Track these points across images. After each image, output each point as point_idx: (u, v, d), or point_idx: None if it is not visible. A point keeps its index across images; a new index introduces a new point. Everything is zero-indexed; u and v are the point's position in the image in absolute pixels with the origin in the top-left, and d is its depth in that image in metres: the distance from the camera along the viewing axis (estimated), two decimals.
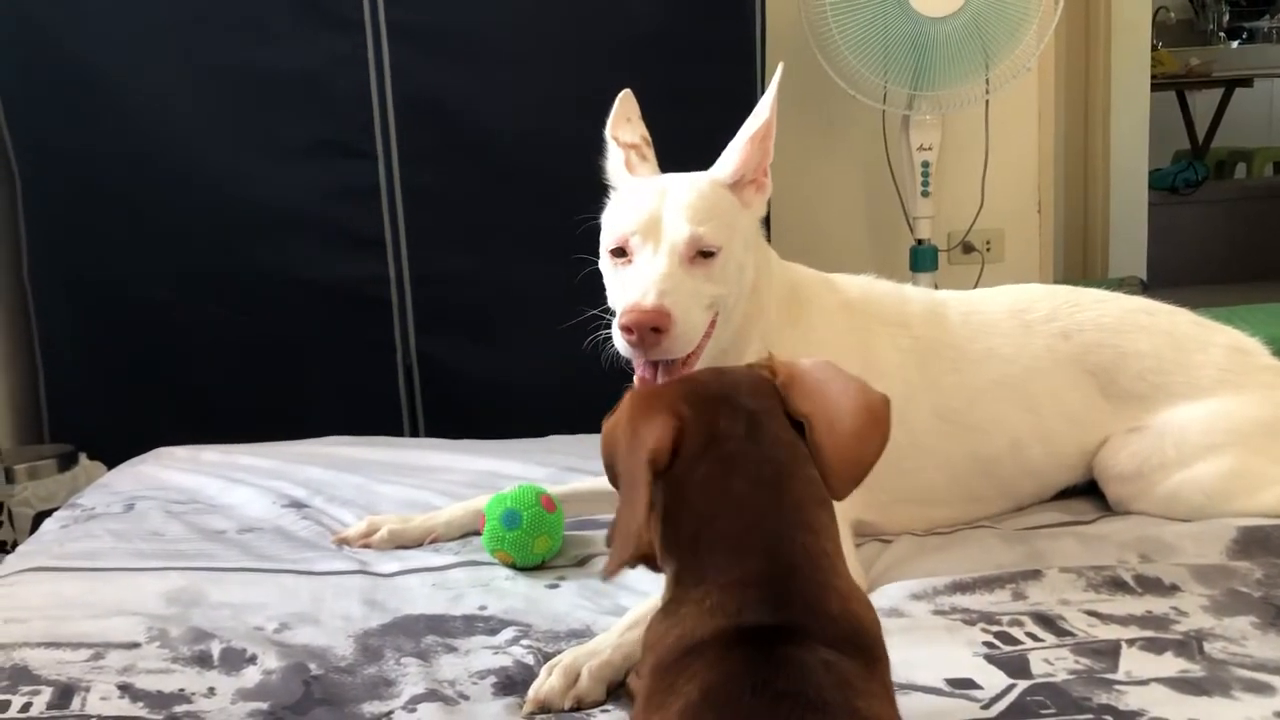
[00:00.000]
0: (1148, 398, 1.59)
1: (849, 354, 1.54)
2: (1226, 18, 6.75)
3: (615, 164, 1.59)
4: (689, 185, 1.49)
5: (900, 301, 1.64)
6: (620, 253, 1.46)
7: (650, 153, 1.60)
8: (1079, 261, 4.71)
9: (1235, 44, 6.71)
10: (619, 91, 2.90)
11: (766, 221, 2.88)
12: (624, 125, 1.61)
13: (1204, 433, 1.55)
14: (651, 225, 1.44)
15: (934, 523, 1.58)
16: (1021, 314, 1.63)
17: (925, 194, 3.16)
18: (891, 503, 1.55)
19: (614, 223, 1.49)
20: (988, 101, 3.17)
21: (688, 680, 0.85)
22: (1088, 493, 1.65)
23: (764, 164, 1.53)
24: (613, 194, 1.57)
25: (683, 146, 2.76)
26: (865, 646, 0.89)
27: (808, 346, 1.52)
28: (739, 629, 0.86)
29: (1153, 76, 4.86)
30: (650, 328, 1.35)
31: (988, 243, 3.47)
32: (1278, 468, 1.53)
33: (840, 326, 1.57)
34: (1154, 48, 5.25)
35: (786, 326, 1.54)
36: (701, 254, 1.42)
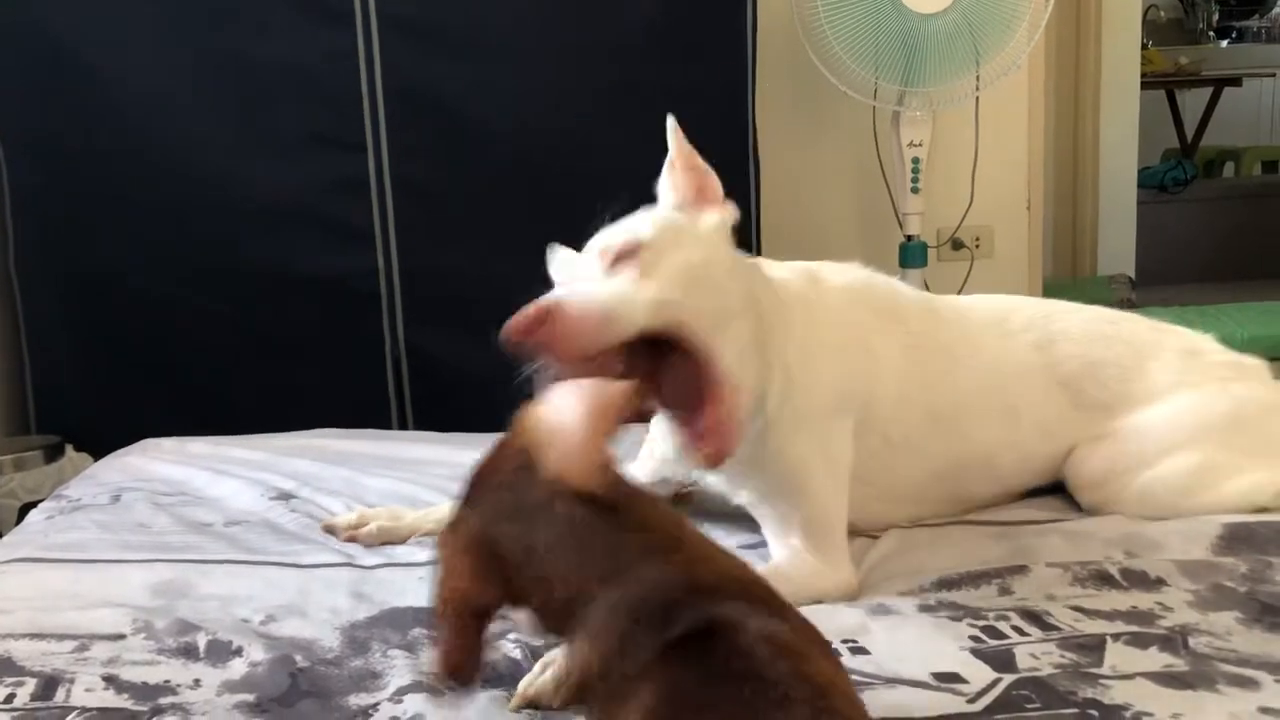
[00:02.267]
0: (1111, 405, 1.60)
1: (851, 349, 1.51)
2: (1216, 17, 6.79)
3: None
4: (650, 215, 1.41)
5: (895, 295, 1.63)
6: None
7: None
8: (1068, 259, 4.73)
9: (1225, 43, 6.75)
10: (610, 86, 2.92)
11: (757, 216, 2.91)
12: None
13: (1167, 433, 1.56)
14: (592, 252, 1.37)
15: (899, 520, 1.58)
16: (1001, 324, 1.64)
17: (915, 190, 3.16)
18: (871, 499, 1.54)
19: None
20: (978, 99, 3.18)
21: (636, 705, 0.84)
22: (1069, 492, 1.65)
23: (703, 185, 1.44)
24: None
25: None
26: (766, 599, 0.90)
27: (811, 353, 1.46)
28: (662, 646, 0.85)
29: (1142, 75, 4.88)
30: (527, 326, 1.15)
31: (977, 239, 3.48)
32: (1241, 458, 1.55)
33: (840, 323, 1.52)
34: (1144, 46, 5.28)
35: (790, 337, 1.45)
36: (622, 255, 1.29)
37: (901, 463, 1.54)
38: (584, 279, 1.30)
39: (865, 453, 1.50)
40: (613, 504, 0.94)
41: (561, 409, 0.96)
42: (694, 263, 1.31)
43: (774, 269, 1.55)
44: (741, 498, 1.49)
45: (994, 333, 1.62)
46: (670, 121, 1.47)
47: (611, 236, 1.34)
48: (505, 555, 0.94)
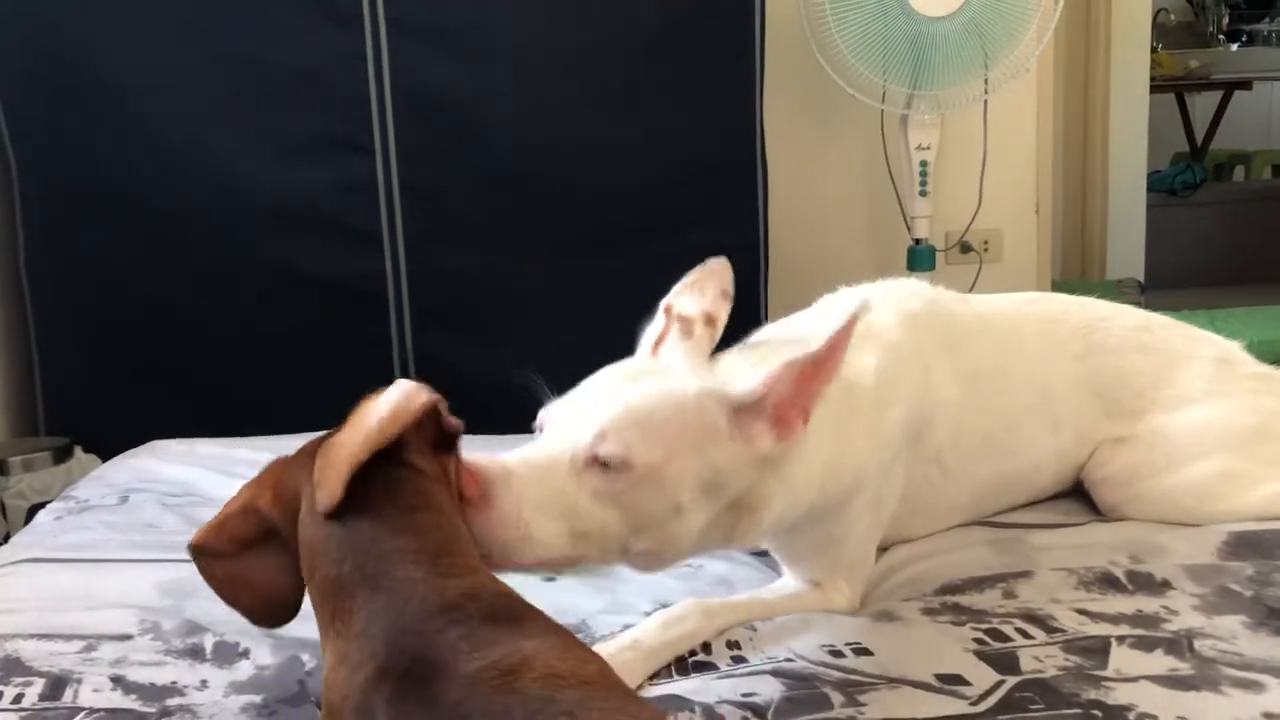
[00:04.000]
0: (1139, 411, 1.60)
1: (912, 388, 1.44)
2: (1226, 20, 6.76)
3: (647, 336, 1.31)
4: (652, 383, 1.17)
5: (951, 318, 1.56)
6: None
7: (705, 332, 1.29)
8: (1077, 262, 4.72)
9: (1235, 47, 6.72)
10: (618, 89, 2.90)
11: (765, 220, 2.92)
12: (689, 295, 1.31)
13: (1193, 441, 1.56)
14: (570, 411, 1.16)
15: (929, 532, 1.57)
16: (1048, 335, 1.62)
17: (923, 193, 3.16)
18: (910, 519, 1.51)
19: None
20: (986, 101, 3.17)
21: None
22: (1075, 494, 1.65)
23: (802, 403, 1.16)
24: None
25: (680, 145, 2.78)
26: (502, 616, 0.89)
27: (870, 422, 1.37)
28: (389, 679, 0.85)
29: (1152, 78, 4.86)
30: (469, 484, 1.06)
31: (985, 243, 3.47)
32: (1265, 468, 1.55)
33: (900, 366, 1.42)
34: (1153, 50, 5.26)
35: (841, 428, 1.31)
36: (600, 462, 1.11)
37: (950, 487, 1.52)
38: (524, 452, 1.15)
39: (917, 479, 1.48)
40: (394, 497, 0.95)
41: (362, 417, 0.97)
42: (678, 505, 1.14)
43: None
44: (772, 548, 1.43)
45: (1042, 345, 1.60)
46: (858, 306, 1.14)
47: (595, 433, 1.12)
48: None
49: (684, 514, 1.14)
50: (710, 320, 1.30)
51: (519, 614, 0.90)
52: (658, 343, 1.29)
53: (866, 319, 1.41)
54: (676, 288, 1.32)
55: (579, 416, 1.15)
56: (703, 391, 1.16)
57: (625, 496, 1.11)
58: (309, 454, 1.00)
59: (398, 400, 0.98)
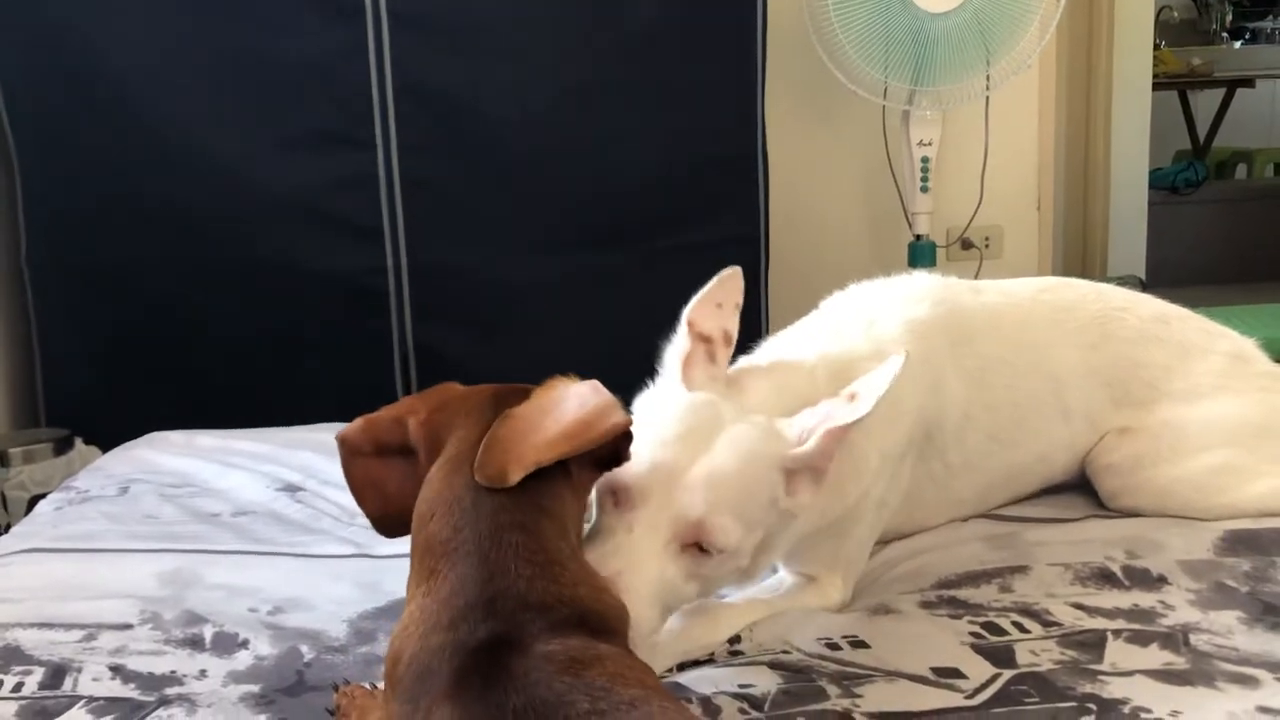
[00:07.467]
0: (1149, 402, 1.60)
1: (920, 392, 1.42)
2: (1229, 18, 6.75)
3: (673, 355, 1.29)
4: (729, 452, 1.17)
5: (962, 314, 1.55)
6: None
7: (725, 353, 1.30)
8: (1078, 260, 4.71)
9: (1238, 44, 6.71)
10: (620, 83, 2.90)
11: (766, 216, 2.91)
12: (708, 310, 1.30)
13: (1199, 434, 1.56)
14: (662, 485, 1.14)
15: (937, 524, 1.57)
16: (1061, 324, 1.61)
17: (924, 190, 3.17)
18: (918, 513, 1.52)
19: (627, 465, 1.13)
20: (988, 98, 3.18)
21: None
22: (1074, 489, 1.65)
23: (832, 454, 1.20)
24: (649, 388, 1.31)
25: (682, 140, 2.78)
26: (591, 627, 0.92)
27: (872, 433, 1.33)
28: (460, 651, 0.87)
29: (1154, 76, 4.86)
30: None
31: (987, 239, 3.48)
32: (1267, 465, 1.55)
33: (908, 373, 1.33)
34: (1156, 47, 5.25)
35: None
36: (699, 547, 1.15)
37: (954, 481, 1.52)
38: (631, 550, 1.13)
39: (923, 476, 1.48)
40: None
41: (551, 405, 0.99)
42: (741, 568, 1.21)
43: (828, 340, 1.41)
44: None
45: (1053, 336, 1.60)
46: (894, 370, 1.19)
47: (700, 521, 1.13)
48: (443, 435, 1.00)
49: (740, 572, 1.22)
50: (728, 339, 1.31)
51: (607, 629, 0.93)
52: (686, 364, 1.27)
53: (873, 332, 1.43)
54: (695, 302, 1.30)
55: (667, 490, 1.14)
56: (770, 459, 1.18)
57: (711, 572, 1.17)
58: (479, 406, 1.01)
59: (595, 413, 0.98)
